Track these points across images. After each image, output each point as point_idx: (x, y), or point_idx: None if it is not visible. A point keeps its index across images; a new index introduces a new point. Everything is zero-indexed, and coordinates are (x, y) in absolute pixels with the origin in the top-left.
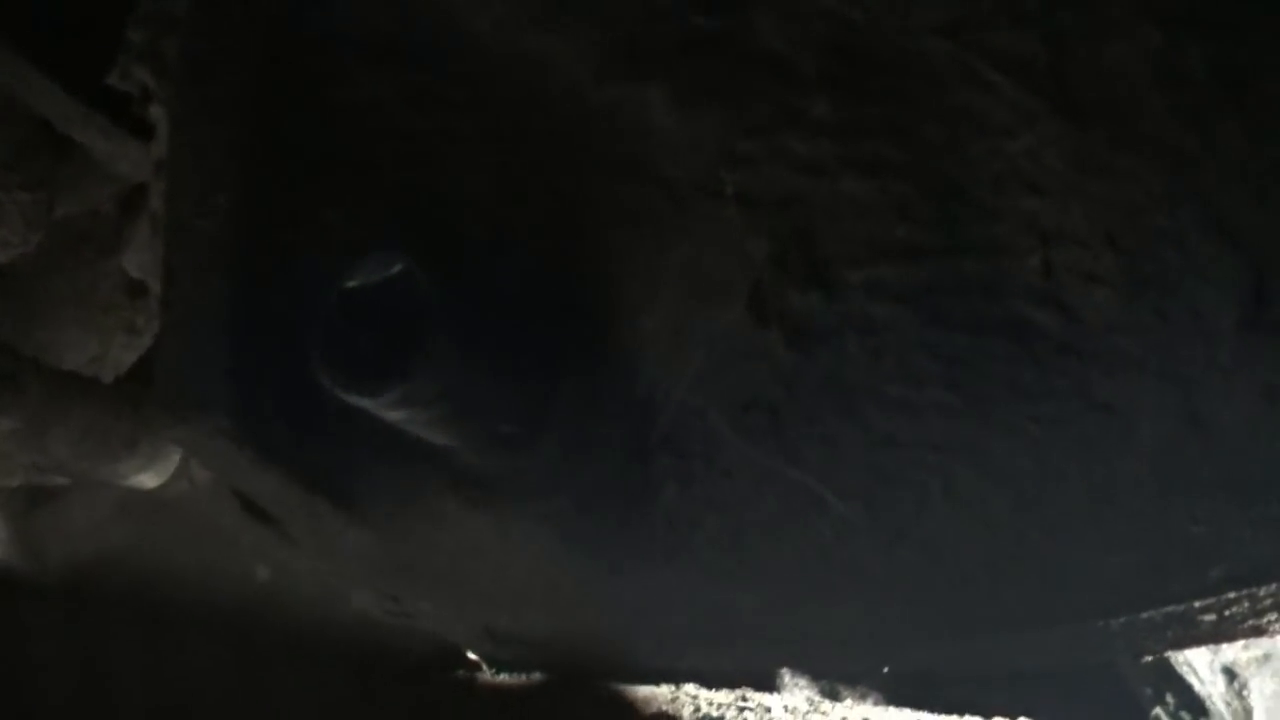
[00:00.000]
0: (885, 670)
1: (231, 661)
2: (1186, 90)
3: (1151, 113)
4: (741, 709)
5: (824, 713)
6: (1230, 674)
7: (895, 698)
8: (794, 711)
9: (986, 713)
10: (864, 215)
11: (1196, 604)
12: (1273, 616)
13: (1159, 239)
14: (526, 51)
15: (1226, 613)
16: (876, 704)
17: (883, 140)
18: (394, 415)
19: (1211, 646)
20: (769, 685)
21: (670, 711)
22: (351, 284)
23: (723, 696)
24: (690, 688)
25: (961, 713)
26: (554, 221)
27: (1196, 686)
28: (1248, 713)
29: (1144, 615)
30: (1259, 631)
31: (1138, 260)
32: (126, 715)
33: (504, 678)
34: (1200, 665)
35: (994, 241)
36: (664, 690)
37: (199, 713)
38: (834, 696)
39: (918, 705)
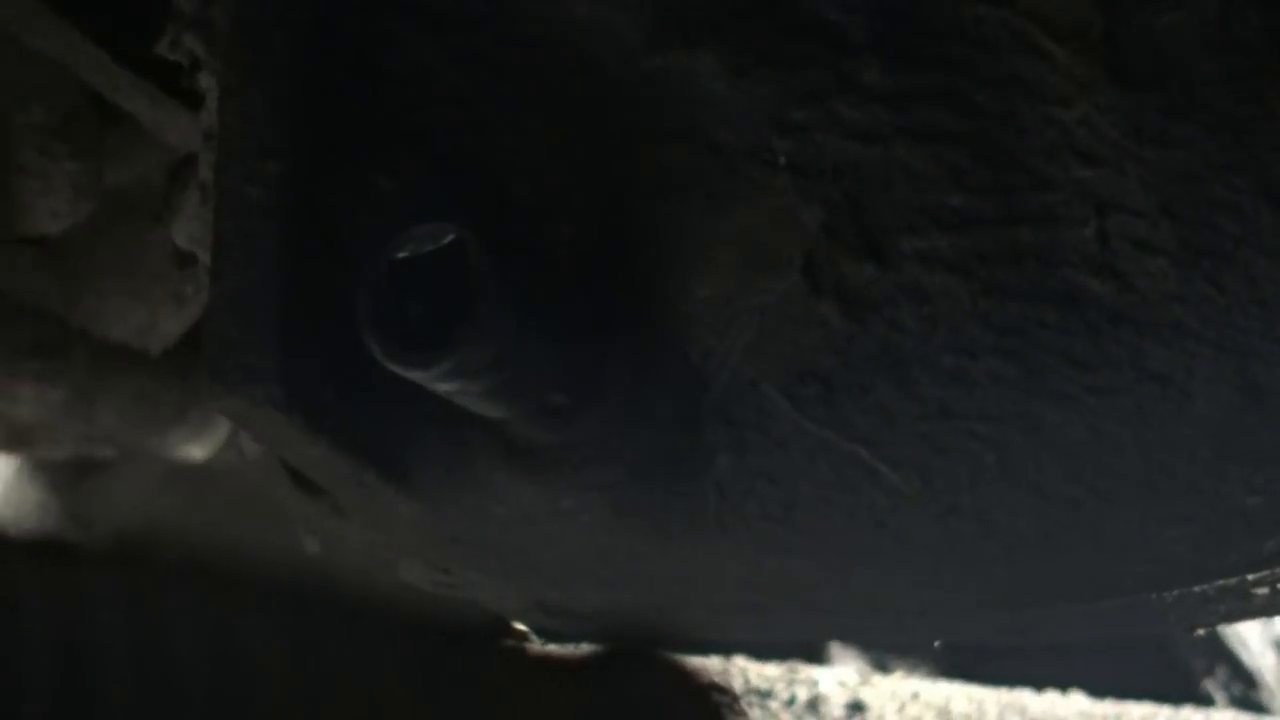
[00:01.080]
0: (937, 643)
1: (283, 632)
2: (1243, 57)
3: (1208, 80)
4: (792, 681)
5: (874, 685)
6: None
7: (945, 670)
8: (844, 684)
9: (1038, 684)
10: (917, 184)
11: (1250, 577)
12: None
13: (1215, 208)
14: (578, 16)
15: (1279, 586)
16: (927, 676)
17: (935, 107)
18: (444, 387)
19: (1264, 620)
20: (819, 658)
21: (721, 683)
22: (402, 254)
23: (772, 670)
24: (741, 659)
25: (1012, 684)
26: (605, 189)
27: (1247, 659)
28: None
29: (1197, 588)
30: None
31: (1193, 229)
32: (188, 683)
33: (553, 648)
34: (1252, 638)
35: (1048, 210)
36: (715, 661)
37: (256, 681)
38: (883, 669)
39: (968, 677)
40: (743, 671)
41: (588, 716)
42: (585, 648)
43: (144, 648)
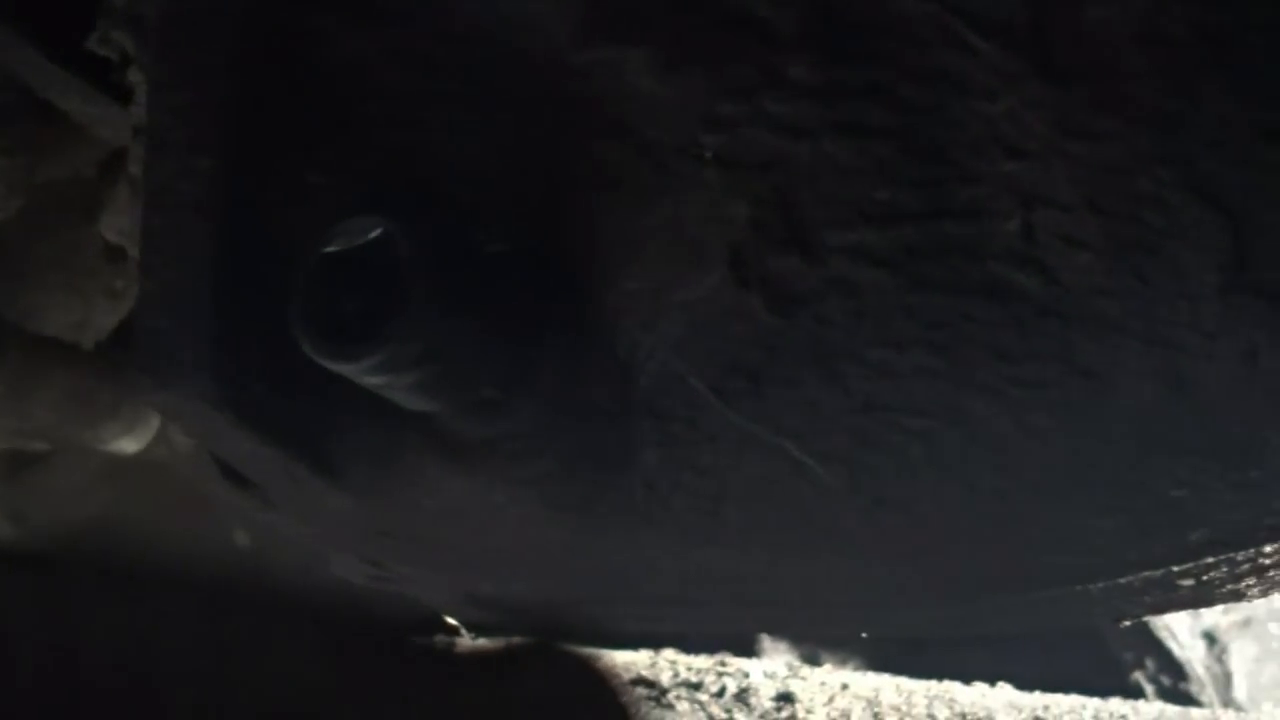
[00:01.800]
0: (865, 635)
1: (210, 626)
2: (1169, 51)
3: (1134, 74)
4: (721, 674)
5: (803, 677)
6: (1210, 639)
7: (875, 662)
8: (773, 676)
9: (967, 676)
10: (844, 178)
11: (1176, 568)
12: (1251, 581)
13: (1141, 201)
14: (508, 12)
15: (1205, 577)
16: (856, 669)
17: (863, 102)
18: (374, 381)
19: (1191, 611)
20: (749, 650)
21: (650, 676)
22: (331, 248)
23: (702, 661)
24: (670, 652)
25: (942, 676)
26: (535, 183)
27: (1176, 651)
28: (1227, 677)
29: (1124, 580)
30: (1238, 596)
31: (1119, 223)
32: (98, 680)
33: (484, 642)
34: (1181, 630)
35: (975, 204)
36: (644, 655)
37: (176, 678)
38: (814, 661)
39: (898, 669)
40: (671, 664)
41: (508, 710)
42: (516, 642)
43: (56, 644)
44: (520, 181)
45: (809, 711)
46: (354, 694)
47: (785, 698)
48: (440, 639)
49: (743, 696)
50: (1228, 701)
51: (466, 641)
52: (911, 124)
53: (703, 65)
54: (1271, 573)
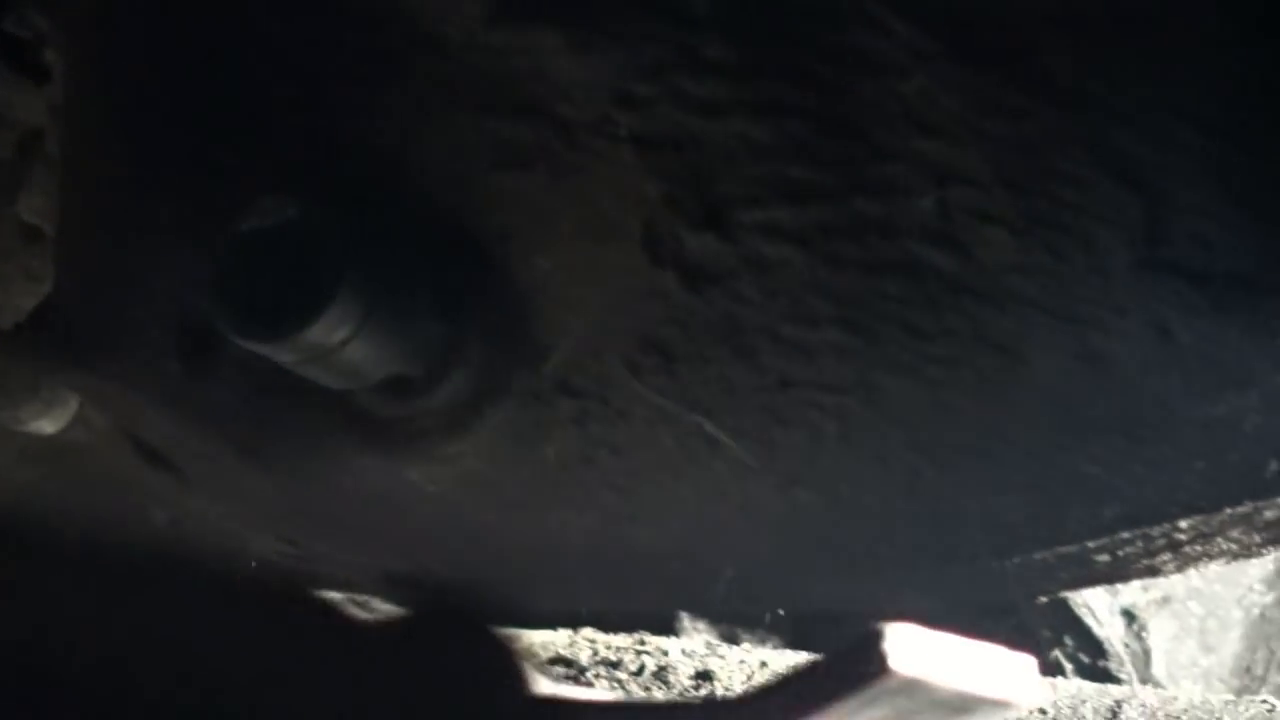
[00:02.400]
0: (782, 612)
1: (126, 605)
2: (1082, 30)
3: (1047, 52)
4: (640, 652)
5: (722, 656)
6: (1129, 616)
7: (793, 640)
8: (692, 655)
9: None
10: (758, 156)
11: (1090, 544)
12: (1166, 557)
13: (1053, 178)
14: None
15: (1120, 553)
16: (775, 647)
17: (777, 81)
18: (290, 359)
19: (1110, 589)
20: (668, 629)
21: (568, 655)
22: (245, 228)
23: (621, 640)
24: (589, 631)
25: None
26: (451, 163)
27: (1095, 629)
28: (1146, 654)
29: (1038, 555)
30: (1153, 571)
31: (1033, 200)
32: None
33: (401, 620)
34: (1099, 607)
35: (889, 182)
36: (562, 634)
37: (88, 656)
38: (733, 640)
39: (816, 647)
40: (591, 643)
41: (425, 688)
42: (434, 622)
43: None
44: (436, 162)
45: (727, 689)
46: (270, 669)
47: (704, 675)
48: (357, 617)
49: (662, 675)
50: (1146, 678)
51: (383, 619)
52: (826, 102)
53: (616, 44)
54: (1187, 548)
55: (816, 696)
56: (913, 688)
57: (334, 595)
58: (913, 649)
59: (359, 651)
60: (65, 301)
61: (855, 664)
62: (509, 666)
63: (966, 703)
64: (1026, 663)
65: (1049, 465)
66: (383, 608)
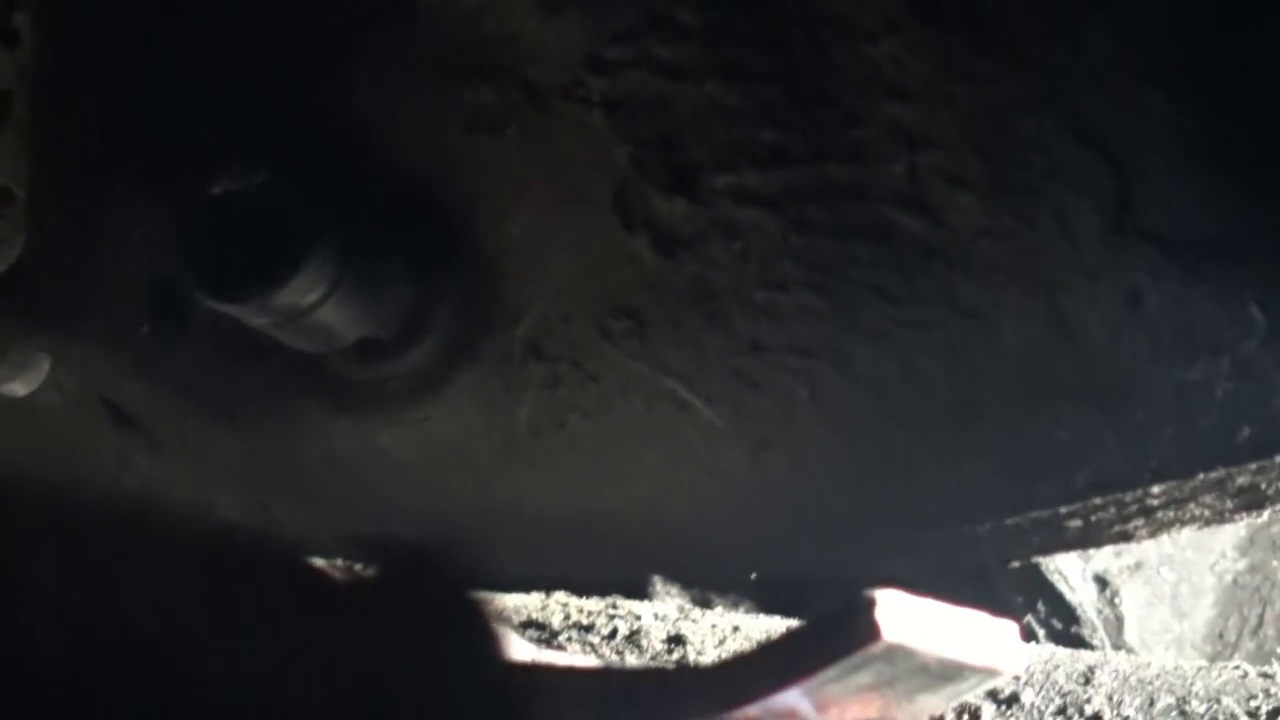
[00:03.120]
0: (753, 576)
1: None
2: None
3: (1015, 17)
4: (612, 617)
5: (694, 620)
6: (1102, 582)
7: (766, 605)
8: (664, 619)
9: None
10: (729, 120)
11: (1063, 510)
12: (1139, 522)
13: (1023, 144)
14: None
15: (1093, 518)
16: (748, 611)
17: (748, 46)
18: (261, 322)
19: (1082, 555)
20: (640, 593)
21: (540, 619)
22: (216, 191)
23: (593, 604)
24: (561, 595)
25: None
26: (420, 127)
27: (1068, 595)
28: (1119, 620)
29: (1010, 521)
30: (1125, 537)
31: (1002, 165)
32: None
33: (371, 585)
34: (1072, 573)
35: (860, 146)
36: (534, 598)
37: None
38: (705, 604)
39: (789, 612)
40: (563, 607)
41: (395, 654)
42: (404, 587)
43: None
44: (405, 126)
45: (700, 654)
46: (241, 632)
47: (676, 640)
48: (326, 581)
49: (634, 639)
50: (1119, 644)
51: (356, 581)
52: (795, 67)
53: (588, 8)
54: (1160, 513)
55: (804, 662)
56: (899, 654)
57: (306, 557)
58: (901, 616)
59: (332, 613)
60: (36, 265)
61: (844, 630)
62: (485, 628)
63: (950, 669)
64: (1009, 630)
65: (1020, 431)
66: (355, 570)
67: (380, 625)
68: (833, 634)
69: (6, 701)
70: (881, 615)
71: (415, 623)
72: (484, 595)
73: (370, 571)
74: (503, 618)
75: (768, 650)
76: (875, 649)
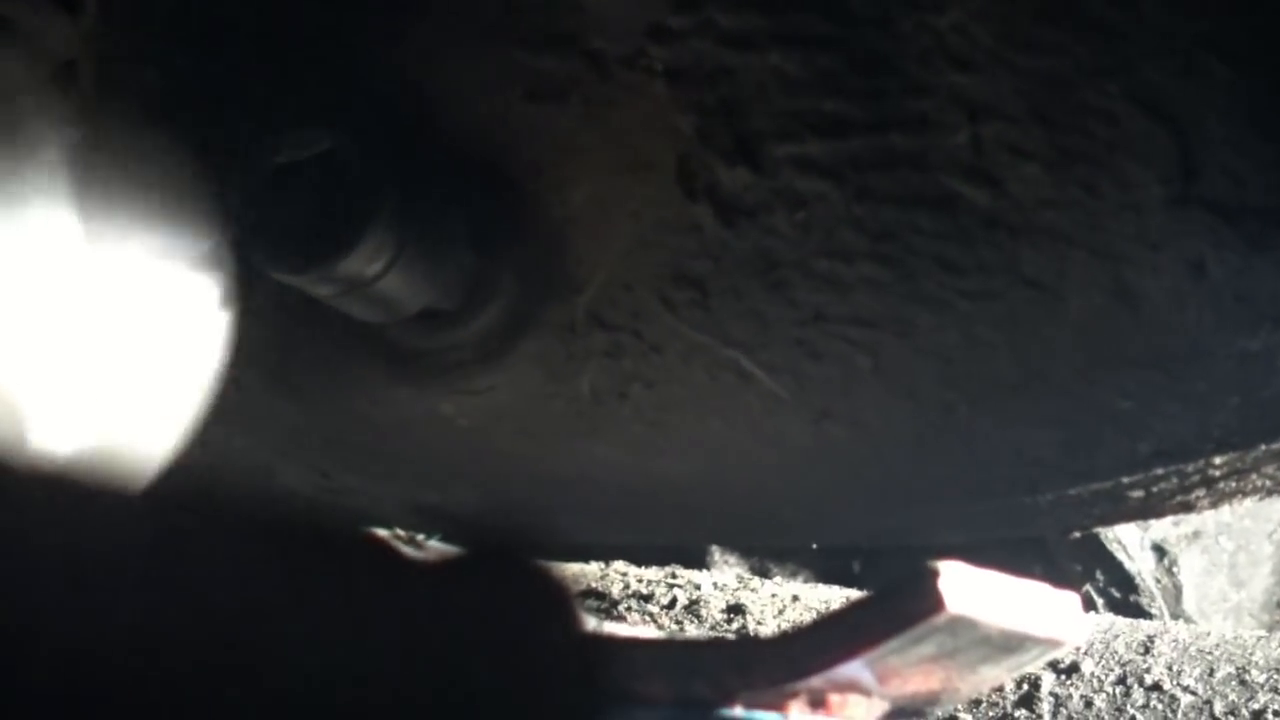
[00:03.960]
0: (814, 546)
1: (159, 537)
2: None
3: None
4: (671, 585)
5: (754, 589)
6: (1160, 551)
7: (825, 574)
8: (724, 588)
9: None
10: (791, 90)
11: (1124, 480)
12: (1200, 492)
13: (1086, 113)
14: None
15: (1154, 489)
16: (806, 581)
17: (810, 14)
18: (323, 291)
19: (1141, 524)
20: (699, 562)
21: (600, 588)
22: (280, 160)
23: (652, 574)
24: (620, 564)
25: None
26: (484, 95)
27: (1126, 564)
28: (1177, 589)
29: (1071, 491)
30: (1187, 508)
31: (1065, 134)
32: (44, 586)
33: (432, 553)
34: (1130, 542)
35: (922, 116)
36: (593, 567)
37: (122, 587)
38: (764, 574)
39: (848, 582)
40: (622, 576)
41: (456, 620)
42: (463, 554)
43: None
44: (469, 94)
45: (759, 623)
46: (302, 603)
47: (736, 609)
48: (388, 549)
49: (693, 608)
50: (1177, 614)
51: (414, 552)
52: (858, 35)
53: None
54: (1221, 484)
55: (867, 633)
56: (962, 625)
57: (364, 527)
58: (964, 587)
59: (388, 583)
60: None
61: (907, 602)
62: (557, 600)
63: (1013, 641)
64: (1072, 602)
65: (1082, 401)
66: (426, 545)
67: (457, 601)
68: (896, 605)
69: (83, 676)
70: (945, 586)
71: (494, 604)
72: (554, 566)
73: (444, 549)
74: (573, 589)
75: (830, 621)
76: (938, 620)
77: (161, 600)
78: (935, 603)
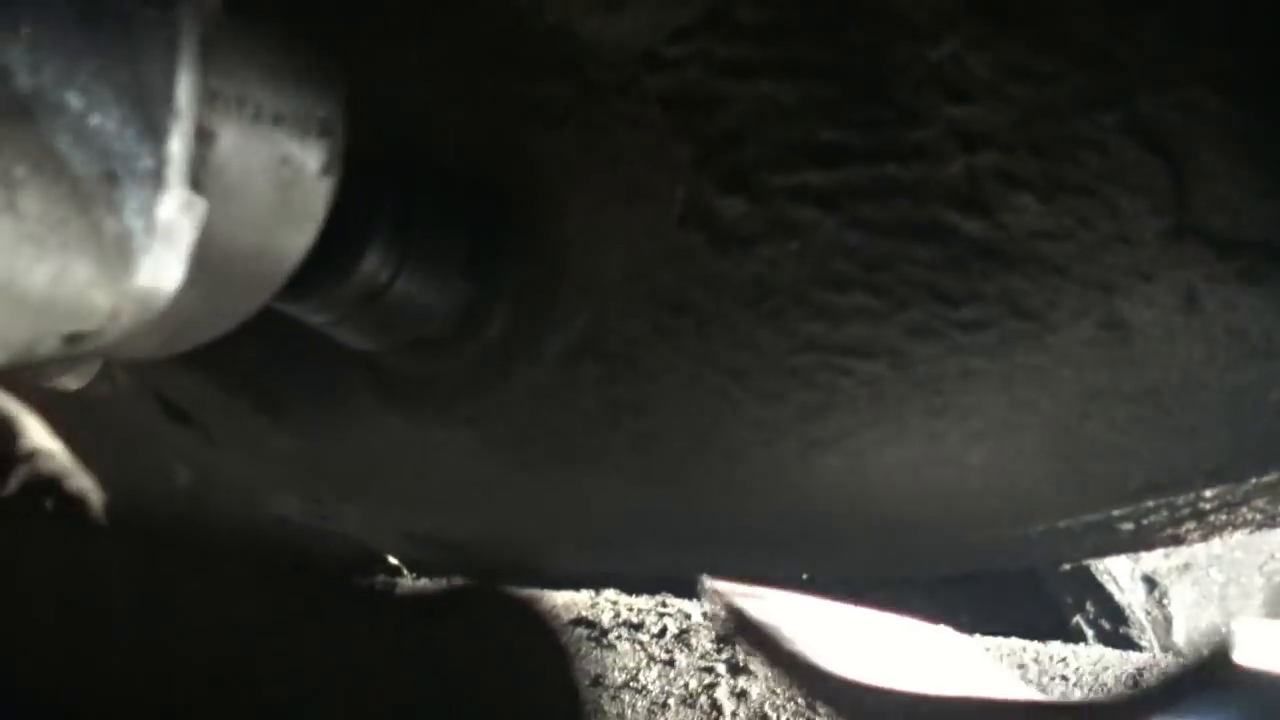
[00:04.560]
0: (805, 576)
1: (149, 564)
2: None
3: (1074, 14)
4: (662, 615)
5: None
6: (1150, 583)
7: None
8: (714, 618)
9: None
10: (787, 119)
11: (1115, 512)
12: (1191, 525)
13: (1081, 144)
14: None
15: (1145, 521)
16: None
17: (806, 43)
18: (318, 319)
19: (1132, 555)
20: (691, 591)
21: (590, 616)
22: None
23: (643, 602)
24: (611, 593)
25: None
26: (479, 123)
27: (1117, 595)
28: (1168, 621)
29: (1062, 524)
30: (1177, 540)
31: (1060, 165)
32: (36, 616)
33: (423, 582)
34: (1121, 574)
35: (917, 146)
36: (584, 595)
37: (113, 614)
38: None
39: None
40: (613, 604)
41: (447, 650)
42: (456, 582)
43: None
44: (464, 121)
45: (749, 654)
46: (292, 632)
47: (726, 639)
48: (380, 578)
49: (684, 637)
50: (1168, 646)
51: (406, 581)
52: (855, 66)
53: (646, 5)
54: (1212, 517)
55: (1175, 696)
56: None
57: (356, 555)
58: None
59: (379, 611)
60: None
61: (1211, 665)
62: (548, 631)
63: None
64: None
65: (1074, 433)
66: (415, 574)
67: (450, 636)
68: (1201, 669)
69: (77, 692)
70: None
71: (485, 633)
72: (548, 598)
73: (434, 579)
74: (554, 618)
75: (1147, 689)
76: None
77: (151, 629)
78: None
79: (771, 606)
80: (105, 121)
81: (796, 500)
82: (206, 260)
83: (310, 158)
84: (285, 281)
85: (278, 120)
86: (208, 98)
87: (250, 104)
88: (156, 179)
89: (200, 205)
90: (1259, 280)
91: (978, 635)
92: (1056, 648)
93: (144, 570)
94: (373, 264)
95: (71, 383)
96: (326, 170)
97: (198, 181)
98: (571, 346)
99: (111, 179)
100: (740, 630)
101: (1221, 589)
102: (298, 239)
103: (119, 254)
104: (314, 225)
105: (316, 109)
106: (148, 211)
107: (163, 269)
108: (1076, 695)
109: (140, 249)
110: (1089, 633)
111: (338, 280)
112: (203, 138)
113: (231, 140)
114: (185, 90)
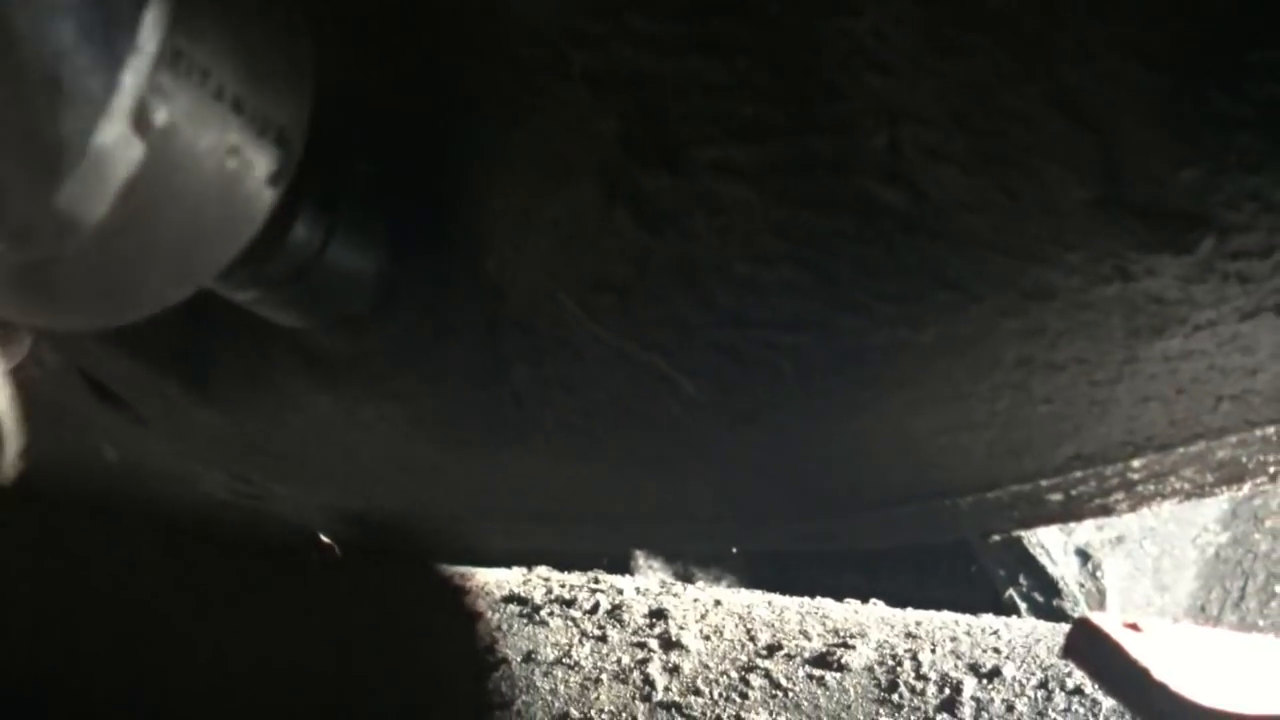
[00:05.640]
0: (735, 551)
1: (76, 543)
2: None
3: None
4: (594, 590)
5: (676, 594)
6: (1084, 555)
7: (748, 579)
8: (646, 593)
9: (840, 593)
10: (711, 94)
11: (1044, 483)
12: (1119, 495)
13: (1006, 117)
14: None
15: (1074, 492)
16: (730, 586)
17: (730, 19)
18: (242, 295)
19: (1064, 528)
20: (623, 568)
21: (522, 593)
22: None
23: (575, 579)
24: (543, 570)
25: (815, 593)
26: (401, 103)
27: (1050, 568)
28: (1101, 593)
29: (991, 494)
30: (1106, 511)
31: (984, 138)
32: None
33: (355, 560)
34: (1054, 546)
35: (842, 120)
36: (516, 573)
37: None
38: (687, 579)
39: (771, 587)
40: (545, 581)
41: (379, 627)
42: (388, 560)
43: None
44: (385, 100)
45: (682, 628)
46: (221, 609)
47: (658, 614)
48: (311, 556)
49: (616, 613)
50: None
51: (337, 559)
52: (777, 40)
53: None
54: (1140, 487)
55: None
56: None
57: (286, 533)
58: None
59: (310, 589)
60: None
61: None
62: (459, 606)
63: None
64: None
65: (1004, 405)
66: (334, 549)
67: (382, 614)
68: None
69: None
70: None
71: (417, 610)
72: (480, 576)
73: (350, 553)
74: (481, 594)
75: None
76: None
77: (76, 605)
78: None
79: (1155, 640)
80: (64, 27)
81: (726, 474)
82: (135, 222)
83: (261, 160)
84: (210, 279)
85: (237, 107)
86: (172, 53)
87: (214, 79)
88: (100, 104)
89: (138, 148)
90: (1184, 250)
91: (910, 609)
92: (989, 620)
93: (69, 548)
94: (296, 243)
95: (0, 362)
96: (274, 181)
97: (143, 126)
98: (498, 324)
99: (57, 86)
100: (1108, 669)
101: (1155, 561)
102: (231, 239)
103: (45, 165)
104: (250, 229)
105: (279, 114)
106: (85, 134)
107: (85, 198)
108: (1009, 669)
109: (68, 167)
110: (1022, 605)
111: (265, 254)
112: (157, 90)
113: (185, 106)
114: (149, 27)
